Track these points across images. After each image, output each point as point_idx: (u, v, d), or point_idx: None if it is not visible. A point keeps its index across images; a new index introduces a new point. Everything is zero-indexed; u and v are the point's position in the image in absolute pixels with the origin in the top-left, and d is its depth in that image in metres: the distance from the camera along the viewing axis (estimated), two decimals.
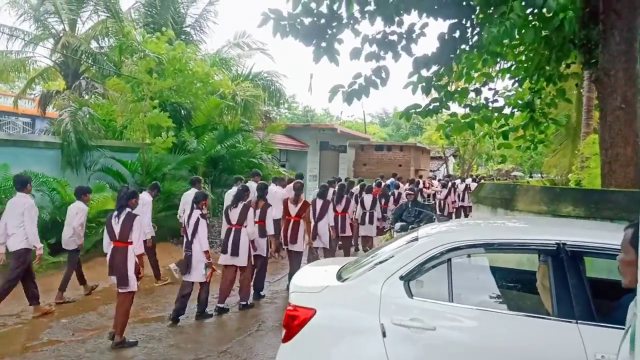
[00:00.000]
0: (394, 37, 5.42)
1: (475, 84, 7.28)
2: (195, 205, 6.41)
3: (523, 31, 5.56)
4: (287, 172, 15.63)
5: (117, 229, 5.56)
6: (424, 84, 6.12)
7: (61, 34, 15.55)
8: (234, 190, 8.83)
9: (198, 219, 6.24)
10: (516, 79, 7.52)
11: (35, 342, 5.64)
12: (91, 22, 16.49)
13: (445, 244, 3.16)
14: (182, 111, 13.00)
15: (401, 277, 3.16)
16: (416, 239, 3.42)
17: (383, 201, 11.51)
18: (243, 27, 78.25)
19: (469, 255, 3.40)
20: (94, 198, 9.04)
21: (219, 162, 13.32)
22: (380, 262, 3.37)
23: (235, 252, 6.76)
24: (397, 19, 5.35)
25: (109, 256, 5.64)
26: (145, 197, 8.05)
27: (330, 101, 5.49)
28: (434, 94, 6.69)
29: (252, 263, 7.17)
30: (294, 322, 3.34)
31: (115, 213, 5.65)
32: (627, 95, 5.30)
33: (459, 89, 7.15)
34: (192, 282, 6.41)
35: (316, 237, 8.38)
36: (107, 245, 5.71)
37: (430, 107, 6.75)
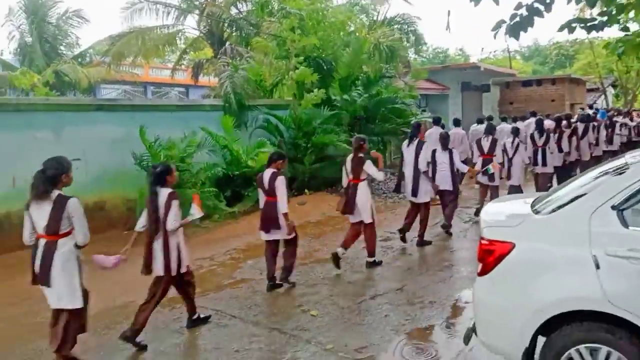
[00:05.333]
0: None
1: None
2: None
3: None
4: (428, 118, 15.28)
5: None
6: None
7: (204, 5, 16.58)
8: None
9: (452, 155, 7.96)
10: None
11: (231, 280, 6.39)
12: None
13: None
14: (325, 65, 13.23)
15: (613, 207, 2.96)
16: (626, 165, 3.16)
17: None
18: None
19: None
20: (259, 154, 9.69)
21: (363, 112, 13.46)
22: (585, 194, 3.18)
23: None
24: None
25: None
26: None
27: (495, 37, 5.16)
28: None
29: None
30: (490, 257, 3.32)
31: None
32: None
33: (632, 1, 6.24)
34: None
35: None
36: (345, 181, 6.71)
37: (596, 22, 5.96)
